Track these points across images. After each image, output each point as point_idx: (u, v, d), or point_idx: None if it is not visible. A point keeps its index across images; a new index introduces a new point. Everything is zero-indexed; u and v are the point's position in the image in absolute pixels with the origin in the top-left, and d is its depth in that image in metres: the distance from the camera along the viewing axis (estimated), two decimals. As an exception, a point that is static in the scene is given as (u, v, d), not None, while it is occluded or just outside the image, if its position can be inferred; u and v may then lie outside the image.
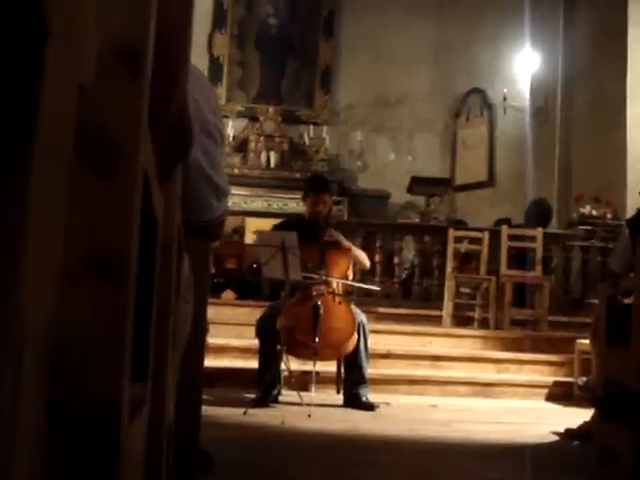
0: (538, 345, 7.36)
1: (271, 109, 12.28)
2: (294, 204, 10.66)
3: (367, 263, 5.95)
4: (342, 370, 5.53)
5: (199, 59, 10.82)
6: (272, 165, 11.98)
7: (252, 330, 5.49)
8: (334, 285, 5.41)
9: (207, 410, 3.47)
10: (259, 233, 5.63)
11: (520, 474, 3.65)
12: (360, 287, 5.62)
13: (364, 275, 8.31)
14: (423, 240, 9.36)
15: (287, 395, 5.40)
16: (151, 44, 0.76)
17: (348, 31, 12.68)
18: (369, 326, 5.50)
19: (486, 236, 8.44)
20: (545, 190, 10.73)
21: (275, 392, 5.27)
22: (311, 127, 12.34)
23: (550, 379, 6.70)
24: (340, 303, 5.35)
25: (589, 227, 9.27)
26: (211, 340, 4.56)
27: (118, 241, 0.70)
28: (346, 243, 5.65)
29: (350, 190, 12.00)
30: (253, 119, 12.31)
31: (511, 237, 8.43)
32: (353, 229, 8.65)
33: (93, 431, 0.67)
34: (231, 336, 6.67)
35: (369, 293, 8.44)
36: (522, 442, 4.31)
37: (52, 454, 0.61)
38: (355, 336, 5.26)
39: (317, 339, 4.98)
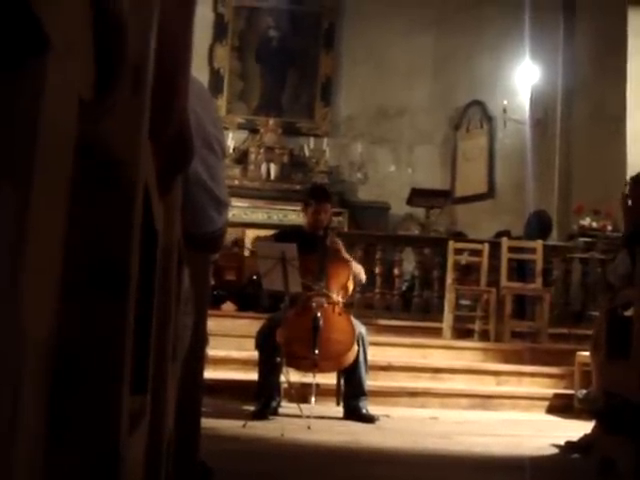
0: (538, 357, 7.35)
1: (271, 121, 12.30)
2: (294, 216, 10.67)
3: (363, 277, 5.93)
4: (342, 382, 5.52)
5: (200, 71, 10.85)
6: (272, 177, 12.00)
7: (252, 342, 5.48)
8: (334, 296, 5.40)
9: (207, 422, 3.46)
10: (260, 242, 5.64)
11: (520, 487, 3.64)
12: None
13: (363, 288, 8.32)
14: (423, 252, 9.35)
15: (287, 407, 5.39)
16: (152, 57, 0.76)
17: (348, 43, 12.73)
18: (369, 338, 5.49)
19: (486, 248, 8.45)
20: (545, 202, 10.73)
21: (275, 404, 5.26)
22: (311, 139, 12.37)
23: (550, 391, 6.68)
24: (340, 314, 5.34)
25: (589, 239, 9.27)
26: (211, 352, 4.55)
27: (119, 253, 0.70)
28: (345, 254, 5.65)
29: (350, 202, 12.02)
30: (253, 131, 12.34)
31: (511, 249, 8.43)
32: (353, 241, 8.65)
33: (92, 444, 0.67)
34: (231, 348, 6.66)
35: (369, 305, 8.44)
36: (522, 455, 4.29)
37: (51, 467, 0.60)
38: (355, 347, 5.25)
39: (317, 350, 4.97)
